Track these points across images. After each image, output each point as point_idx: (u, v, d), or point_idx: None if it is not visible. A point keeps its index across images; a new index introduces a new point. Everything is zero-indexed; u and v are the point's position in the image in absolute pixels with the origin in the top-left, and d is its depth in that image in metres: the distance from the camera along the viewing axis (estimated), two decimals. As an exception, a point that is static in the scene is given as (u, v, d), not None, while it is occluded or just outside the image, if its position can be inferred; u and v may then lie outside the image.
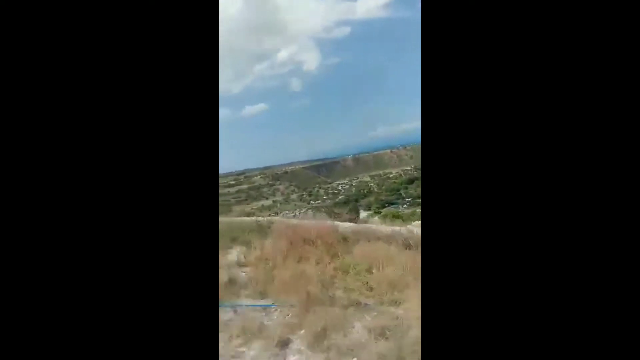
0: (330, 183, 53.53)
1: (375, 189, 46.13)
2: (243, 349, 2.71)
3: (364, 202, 41.26)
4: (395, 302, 3.22)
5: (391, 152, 61.08)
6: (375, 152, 63.72)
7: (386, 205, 36.66)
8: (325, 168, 59.08)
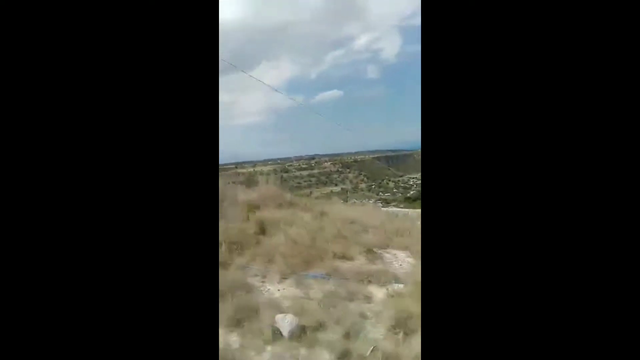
0: (401, 176, 51.84)
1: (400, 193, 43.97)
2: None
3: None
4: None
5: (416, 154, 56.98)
6: (405, 152, 60.08)
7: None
8: (397, 160, 57.16)
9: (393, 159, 57.58)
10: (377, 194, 44.54)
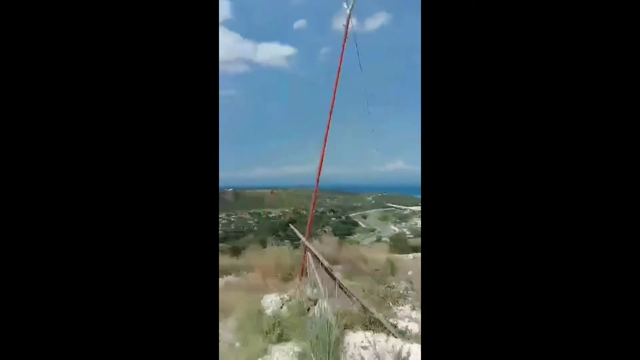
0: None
1: (255, 227, 45.47)
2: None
3: (242, 240, 40.21)
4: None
5: (271, 192, 61.93)
6: (257, 190, 63.77)
7: (265, 247, 36.39)
8: None
9: None
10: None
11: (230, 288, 5.50)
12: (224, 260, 7.57)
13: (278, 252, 7.27)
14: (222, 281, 6.10)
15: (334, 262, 6.32)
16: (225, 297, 4.48)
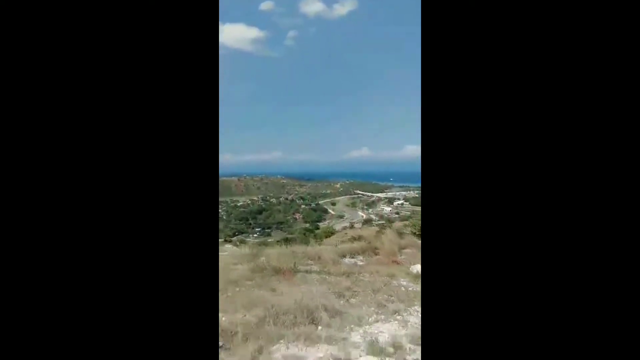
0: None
1: (225, 217, 44.86)
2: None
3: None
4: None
5: (238, 180, 60.75)
6: (222, 178, 62.76)
7: (236, 233, 36.12)
8: None
9: None
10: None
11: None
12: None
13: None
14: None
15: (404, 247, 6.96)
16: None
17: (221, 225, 40.17)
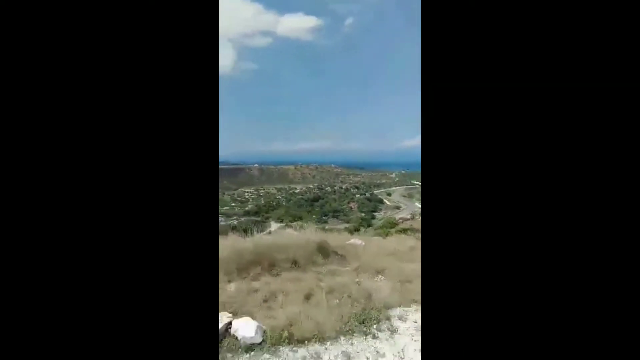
0: (235, 190, 51.76)
1: (284, 202, 46.47)
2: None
3: (274, 214, 41.37)
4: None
5: (295, 168, 62.33)
6: (280, 166, 64.46)
7: (296, 219, 37.45)
8: (228, 173, 56.86)
9: (225, 172, 56.63)
10: (217, 208, 42.69)
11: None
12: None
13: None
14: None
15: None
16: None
17: (282, 211, 42.00)
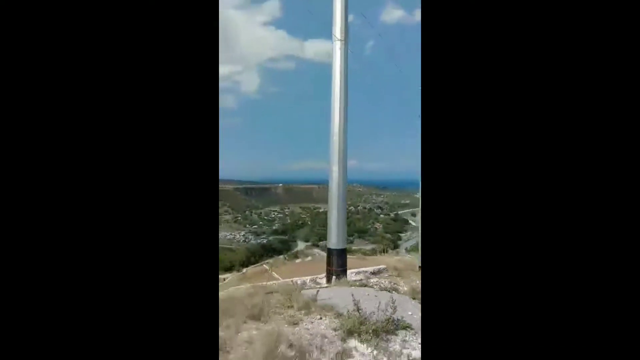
0: (261, 208, 52.70)
1: (309, 222, 46.80)
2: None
3: (300, 232, 41.68)
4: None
5: (319, 187, 62.69)
6: (303, 185, 64.94)
7: (322, 239, 37.44)
8: (255, 192, 58.12)
9: (251, 191, 58.04)
10: (245, 226, 43.99)
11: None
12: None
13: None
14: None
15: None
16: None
17: (307, 230, 42.22)
